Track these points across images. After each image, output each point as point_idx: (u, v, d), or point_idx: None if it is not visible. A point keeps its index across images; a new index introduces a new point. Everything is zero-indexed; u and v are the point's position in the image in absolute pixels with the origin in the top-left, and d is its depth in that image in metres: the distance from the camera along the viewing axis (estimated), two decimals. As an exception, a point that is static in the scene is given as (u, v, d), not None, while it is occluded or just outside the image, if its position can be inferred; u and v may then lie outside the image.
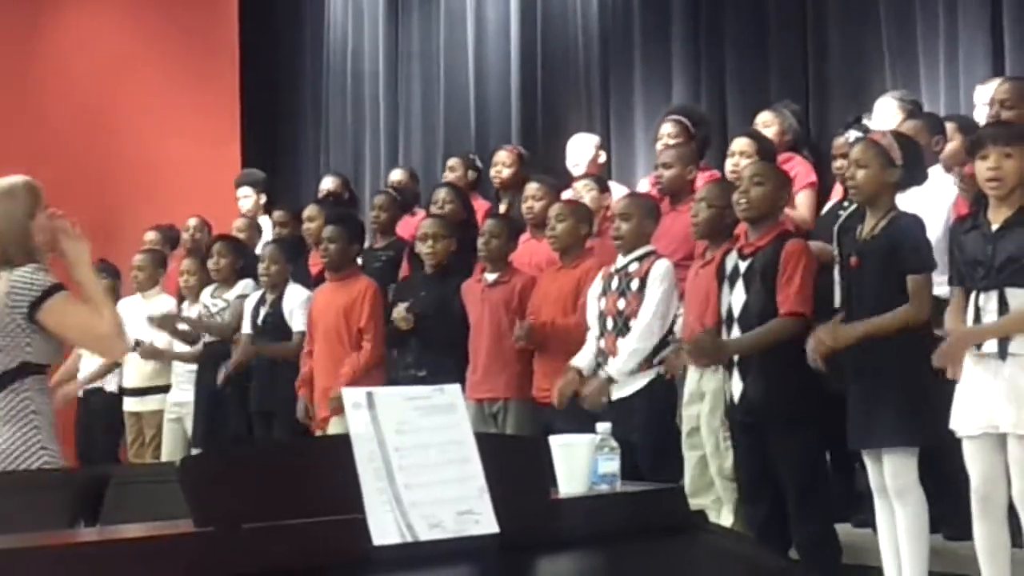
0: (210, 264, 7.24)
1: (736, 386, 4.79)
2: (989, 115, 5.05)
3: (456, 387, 2.53)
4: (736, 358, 4.81)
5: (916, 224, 4.50)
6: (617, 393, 5.23)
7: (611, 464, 2.72)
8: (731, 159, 5.78)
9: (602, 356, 5.35)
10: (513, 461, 2.50)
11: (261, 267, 6.87)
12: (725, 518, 4.89)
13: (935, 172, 5.12)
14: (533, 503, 2.50)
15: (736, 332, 4.82)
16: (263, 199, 8.57)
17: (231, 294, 7.19)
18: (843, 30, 7.41)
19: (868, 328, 4.40)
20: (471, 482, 2.41)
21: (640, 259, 5.36)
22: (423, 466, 2.40)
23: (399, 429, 2.41)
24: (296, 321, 6.71)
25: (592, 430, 2.72)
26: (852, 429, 4.50)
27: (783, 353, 4.68)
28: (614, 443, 2.73)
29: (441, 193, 6.88)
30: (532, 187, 6.38)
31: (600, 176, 6.85)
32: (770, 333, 4.71)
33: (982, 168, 4.21)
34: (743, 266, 4.85)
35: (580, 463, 2.66)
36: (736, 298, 4.84)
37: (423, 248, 6.18)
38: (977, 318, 4.16)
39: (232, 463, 2.34)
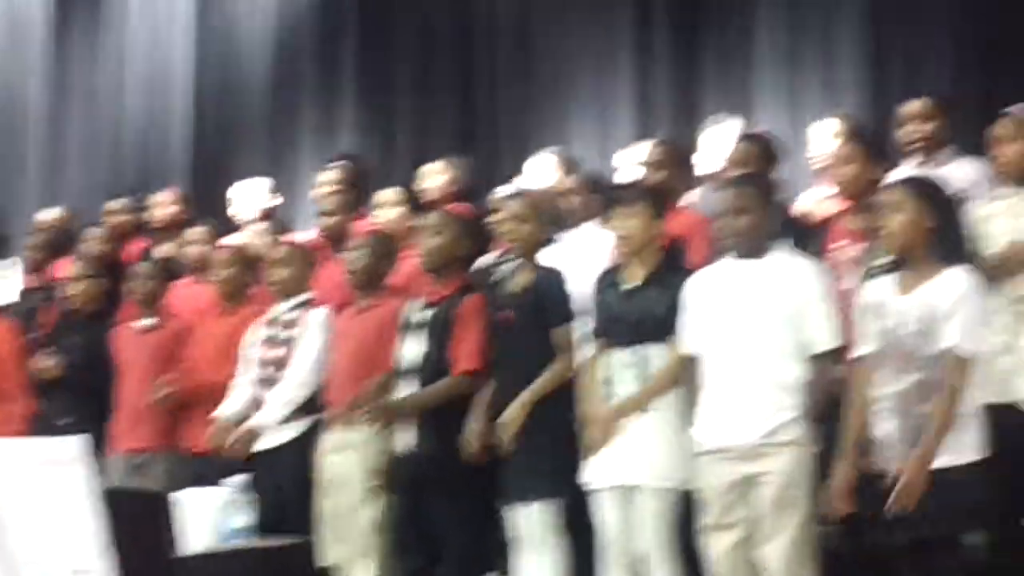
0: None
1: (405, 438, 4.78)
2: (648, 176, 5.23)
3: (80, 439, 2.44)
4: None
5: (558, 278, 4.65)
6: (267, 443, 5.10)
7: (244, 518, 2.68)
8: (380, 210, 5.83)
9: (256, 407, 5.25)
10: (137, 517, 2.43)
11: None
12: (365, 571, 4.86)
13: (589, 226, 5.27)
14: (156, 560, 2.43)
15: (414, 384, 4.81)
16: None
17: None
18: (511, 85, 7.65)
19: (530, 399, 4.51)
20: (90, 539, 2.32)
21: (298, 307, 5.33)
22: (39, 522, 2.29)
23: (15, 483, 2.30)
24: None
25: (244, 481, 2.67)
26: (502, 481, 4.58)
27: (456, 408, 4.70)
28: (249, 496, 2.69)
29: (92, 232, 6.69)
30: (197, 231, 6.27)
31: (279, 220, 6.79)
32: (445, 390, 4.73)
33: (610, 229, 4.39)
34: (425, 316, 4.86)
35: (210, 517, 2.60)
36: (414, 349, 4.83)
37: (70, 289, 5.98)
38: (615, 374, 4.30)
39: None
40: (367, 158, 7.22)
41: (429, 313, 4.86)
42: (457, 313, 4.77)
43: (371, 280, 5.16)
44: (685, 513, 4.18)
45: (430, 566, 4.77)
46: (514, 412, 4.51)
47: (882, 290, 3.90)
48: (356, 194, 6.21)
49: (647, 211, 4.35)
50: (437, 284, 4.90)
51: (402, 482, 4.83)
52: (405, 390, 4.82)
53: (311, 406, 5.20)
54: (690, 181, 5.51)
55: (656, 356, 4.25)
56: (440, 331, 4.78)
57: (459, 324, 4.75)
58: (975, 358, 3.75)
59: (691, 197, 5.47)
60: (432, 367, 4.78)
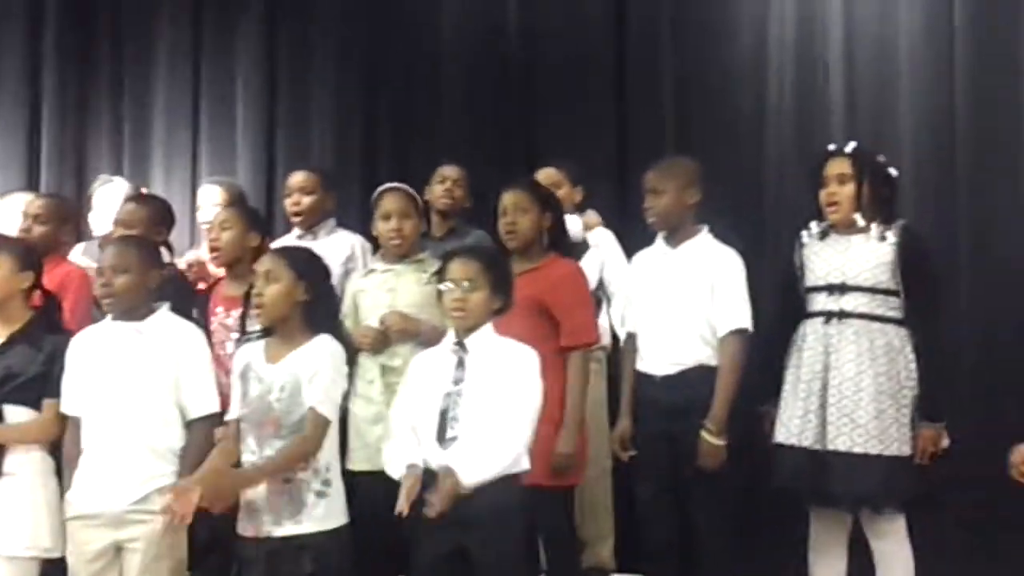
0: None
1: None
2: (21, 228, 5.03)
3: None
4: None
5: None
6: None
7: None
8: None
9: None
10: None
11: None
12: None
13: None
14: None
15: None
16: None
17: None
18: None
19: None
20: None
21: None
22: None
23: None
24: None
25: None
26: None
27: None
28: None
29: None
30: None
31: None
32: None
33: None
34: None
35: None
36: None
37: None
38: None
39: None
40: None
41: None
42: None
43: None
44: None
45: None
46: None
47: (252, 356, 3.95)
48: None
49: (6, 263, 4.17)
50: None
51: None
52: None
53: None
54: (74, 237, 5.40)
55: (18, 417, 4.06)
56: None
57: None
58: (330, 421, 3.88)
59: (75, 253, 5.33)
60: None
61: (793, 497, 4.45)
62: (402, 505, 3.69)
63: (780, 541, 5.14)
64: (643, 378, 4.60)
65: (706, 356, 4.50)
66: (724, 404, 4.43)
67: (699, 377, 4.48)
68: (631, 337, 4.70)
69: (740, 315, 4.51)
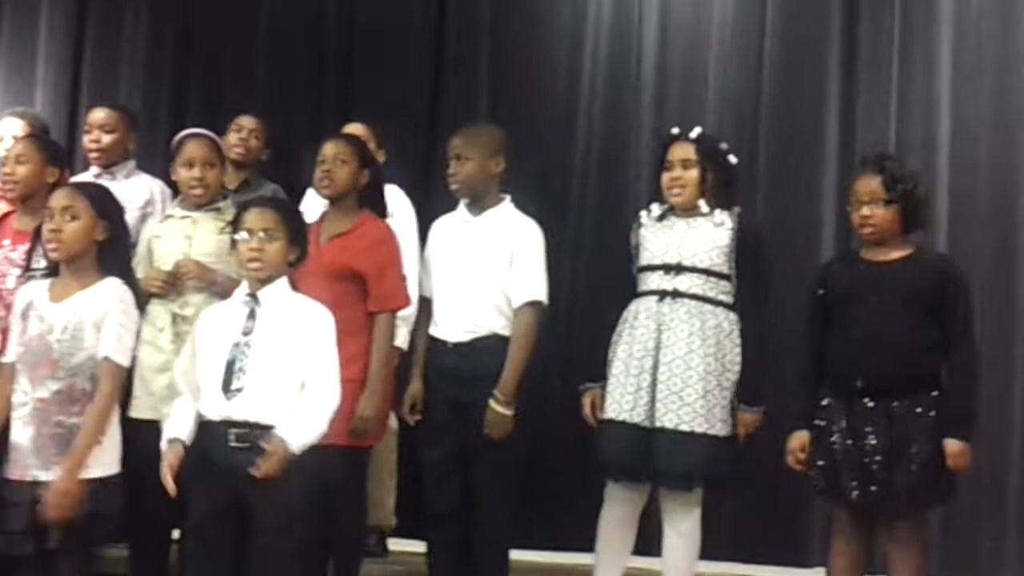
0: None
1: None
2: None
3: None
4: None
5: None
6: None
7: None
8: None
9: None
10: None
11: None
12: None
13: None
14: None
15: None
16: None
17: None
18: None
19: None
20: None
21: None
22: None
23: None
24: None
25: None
26: None
27: None
28: None
29: None
30: None
31: None
32: None
33: None
34: None
35: None
36: None
37: None
38: None
39: None
40: None
41: None
42: None
43: None
44: None
45: None
46: None
47: (36, 295, 3.83)
48: None
49: None
50: None
51: None
52: None
53: None
54: None
55: None
56: None
57: None
58: (126, 368, 3.81)
59: None
60: None
61: (626, 472, 4.44)
62: (170, 488, 3.68)
63: (565, 512, 5.21)
64: (436, 343, 4.60)
65: (500, 326, 4.52)
66: (514, 374, 4.46)
67: (491, 346, 4.49)
68: (426, 302, 4.69)
69: (536, 287, 4.53)
